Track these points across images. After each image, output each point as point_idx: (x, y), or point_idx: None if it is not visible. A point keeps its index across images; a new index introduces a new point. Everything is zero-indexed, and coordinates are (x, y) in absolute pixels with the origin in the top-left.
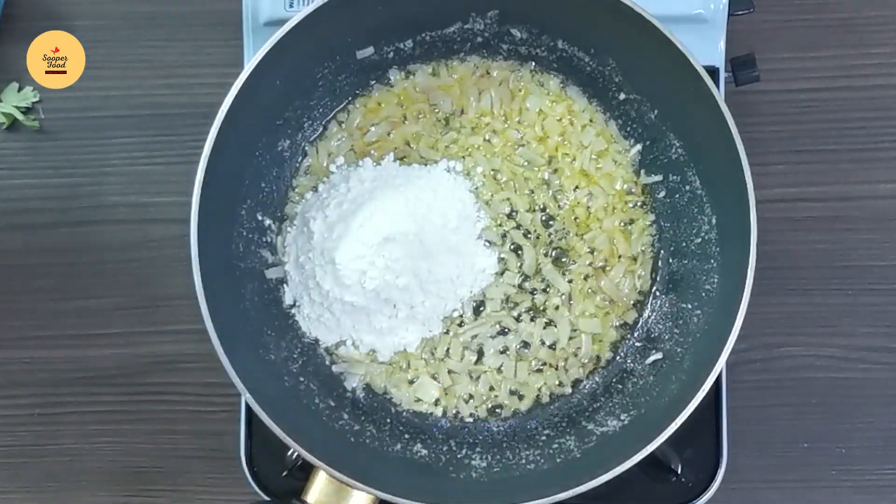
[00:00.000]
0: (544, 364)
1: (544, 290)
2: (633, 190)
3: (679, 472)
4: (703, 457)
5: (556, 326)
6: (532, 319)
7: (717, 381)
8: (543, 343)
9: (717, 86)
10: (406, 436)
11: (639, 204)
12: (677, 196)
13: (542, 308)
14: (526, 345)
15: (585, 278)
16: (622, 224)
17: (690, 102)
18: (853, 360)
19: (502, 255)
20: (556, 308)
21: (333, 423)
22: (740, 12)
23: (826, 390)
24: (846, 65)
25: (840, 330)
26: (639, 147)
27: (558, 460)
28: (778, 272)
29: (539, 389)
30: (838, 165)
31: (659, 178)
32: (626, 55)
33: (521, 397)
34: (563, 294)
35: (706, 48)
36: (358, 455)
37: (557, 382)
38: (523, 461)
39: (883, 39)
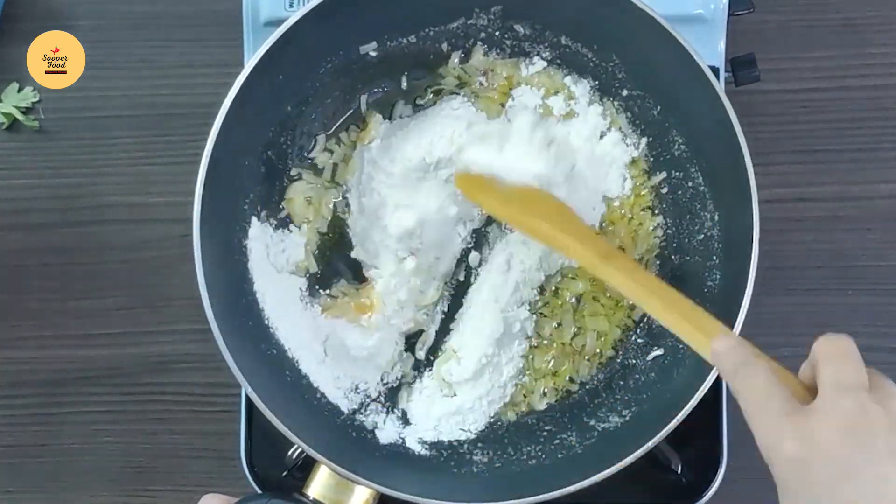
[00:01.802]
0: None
1: (555, 292)
2: (643, 192)
3: (679, 471)
4: (703, 457)
5: (562, 326)
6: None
7: (718, 381)
8: (553, 341)
9: None
10: None
11: (647, 206)
12: (680, 192)
13: (550, 307)
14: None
15: (593, 282)
16: (632, 229)
17: (693, 100)
18: None
19: None
20: (562, 306)
21: (335, 418)
22: (740, 12)
23: None
24: (846, 65)
25: (840, 330)
26: (645, 140)
27: (559, 456)
28: (778, 272)
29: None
30: (838, 166)
31: (663, 174)
32: (630, 52)
33: (544, 394)
34: (574, 296)
35: (706, 48)
36: (359, 450)
37: (569, 379)
38: (524, 456)
39: (883, 40)
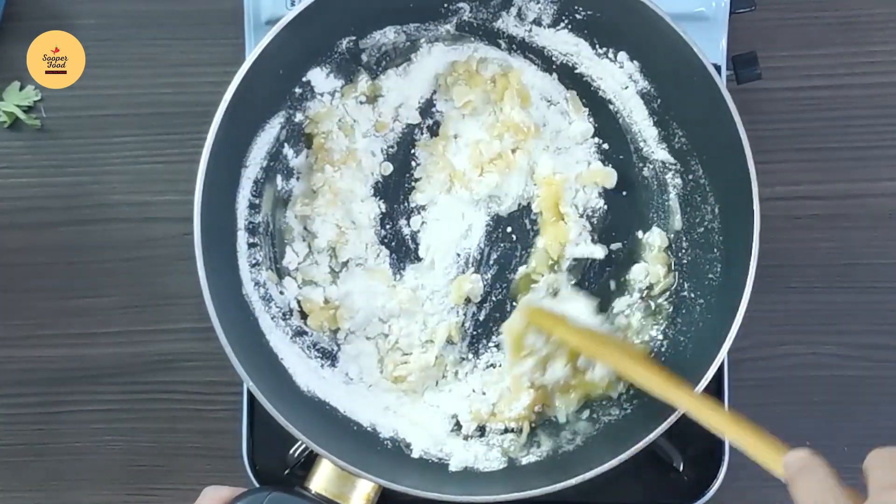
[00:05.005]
0: None
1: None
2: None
3: (681, 469)
4: (705, 455)
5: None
6: None
7: (720, 379)
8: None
9: None
10: None
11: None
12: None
13: None
14: None
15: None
16: None
17: (694, 94)
18: (855, 358)
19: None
20: None
21: (336, 413)
22: (742, 10)
23: (828, 388)
24: (848, 62)
25: (842, 328)
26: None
27: (561, 449)
28: (780, 270)
29: None
30: (840, 163)
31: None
32: (631, 47)
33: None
34: None
35: (708, 46)
36: (361, 444)
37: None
38: (526, 451)
39: (884, 37)
